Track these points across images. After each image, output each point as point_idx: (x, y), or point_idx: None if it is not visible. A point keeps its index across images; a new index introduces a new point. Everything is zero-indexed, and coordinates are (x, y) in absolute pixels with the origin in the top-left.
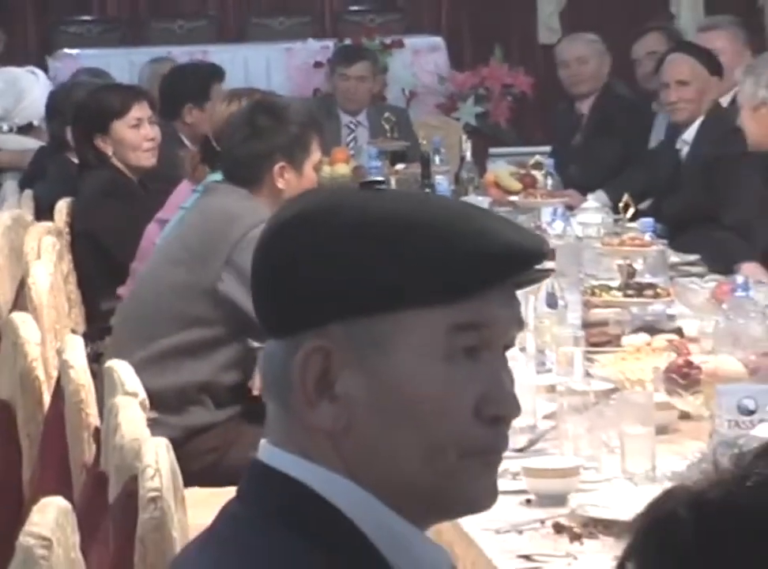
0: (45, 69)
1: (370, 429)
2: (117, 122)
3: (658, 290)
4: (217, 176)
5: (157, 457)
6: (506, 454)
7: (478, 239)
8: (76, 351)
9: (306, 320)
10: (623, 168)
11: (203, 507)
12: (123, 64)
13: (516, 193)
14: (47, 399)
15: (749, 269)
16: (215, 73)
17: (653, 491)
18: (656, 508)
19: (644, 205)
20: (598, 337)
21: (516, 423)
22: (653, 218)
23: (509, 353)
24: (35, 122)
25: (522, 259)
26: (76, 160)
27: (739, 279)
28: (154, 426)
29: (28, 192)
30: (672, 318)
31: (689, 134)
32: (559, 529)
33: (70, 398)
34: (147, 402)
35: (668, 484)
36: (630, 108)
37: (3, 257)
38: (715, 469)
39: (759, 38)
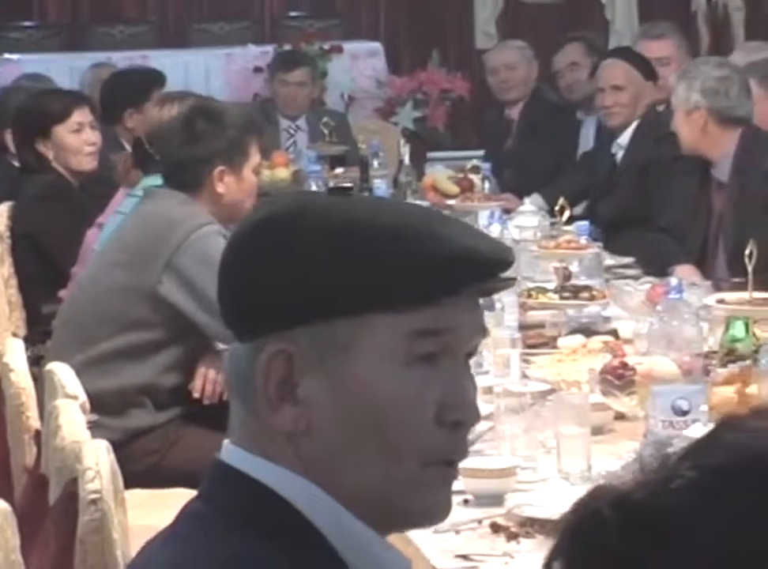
0: None
1: (330, 433)
2: (58, 126)
3: (594, 292)
4: (152, 180)
5: (97, 460)
6: None
7: (437, 246)
8: (16, 354)
9: (269, 323)
10: (555, 172)
11: (144, 509)
12: (64, 69)
13: (453, 196)
14: None
15: (683, 272)
16: (156, 78)
17: None
18: (582, 508)
19: (579, 209)
20: (535, 339)
21: None
22: (589, 221)
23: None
24: None
25: (481, 266)
26: (17, 164)
27: (673, 281)
28: (94, 428)
29: None
30: (607, 319)
31: (624, 138)
32: (496, 528)
33: (11, 401)
34: (87, 405)
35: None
36: (560, 113)
37: None
38: (641, 470)
39: (693, 43)
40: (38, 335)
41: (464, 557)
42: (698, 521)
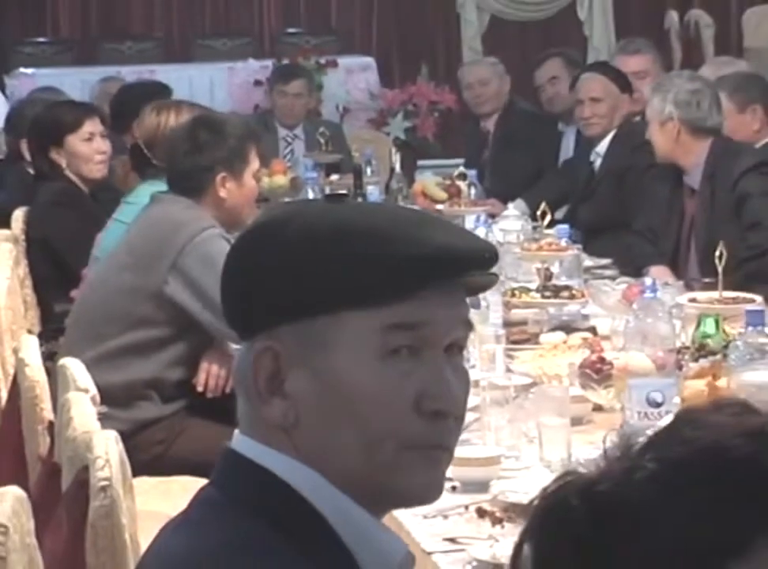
0: (2, 88)
1: (315, 423)
2: (71, 136)
3: (573, 292)
4: (148, 188)
5: (107, 449)
6: None
7: (410, 243)
8: (31, 350)
9: (259, 323)
10: (533, 178)
11: (150, 495)
12: (75, 82)
13: (442, 202)
14: (4, 395)
15: (657, 272)
16: (161, 90)
17: None
18: (551, 495)
19: (560, 213)
20: (518, 336)
21: None
22: (569, 225)
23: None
24: None
25: (458, 262)
26: (31, 171)
27: (648, 281)
28: (104, 420)
29: None
30: (586, 317)
31: (602, 147)
32: (481, 513)
33: (26, 394)
34: (98, 397)
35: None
36: (533, 121)
37: None
38: (605, 458)
39: (667, 57)
40: (51, 332)
41: (452, 540)
42: (659, 513)
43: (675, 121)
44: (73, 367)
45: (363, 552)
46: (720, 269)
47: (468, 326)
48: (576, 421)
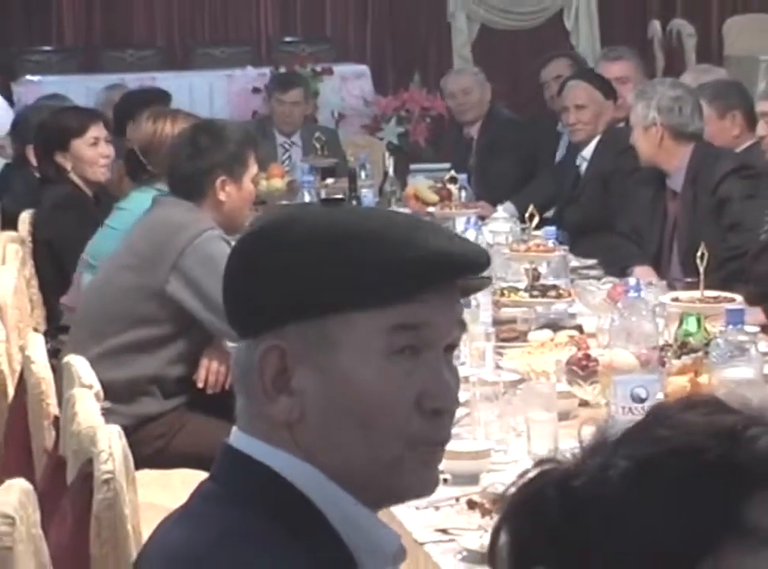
0: (10, 95)
1: (321, 420)
2: (76, 140)
3: (560, 291)
4: (146, 194)
5: (110, 443)
6: None
7: (413, 248)
8: (37, 347)
9: (264, 323)
10: (517, 182)
11: (152, 487)
12: (80, 89)
13: (433, 204)
14: (11, 391)
15: (641, 272)
16: (161, 97)
17: None
18: (527, 485)
19: (548, 215)
20: (507, 333)
21: None
22: (556, 226)
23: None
24: None
25: (455, 266)
26: (38, 175)
27: (632, 281)
28: (108, 415)
29: None
30: (572, 316)
31: (587, 151)
32: (472, 505)
33: (32, 390)
34: (101, 393)
35: None
36: (515, 128)
37: None
38: (581, 449)
39: (650, 65)
40: (56, 330)
41: (444, 531)
42: (631, 510)
43: (659, 126)
44: (78, 364)
45: (359, 544)
46: (701, 269)
47: (463, 327)
48: (563, 416)
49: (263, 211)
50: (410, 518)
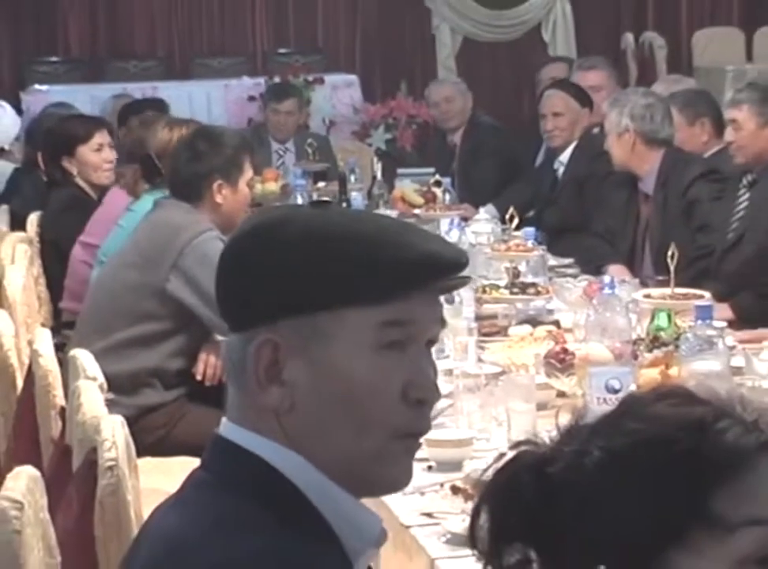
0: (18, 103)
1: (311, 410)
2: (82, 146)
3: (539, 288)
4: (158, 194)
5: (114, 432)
6: None
7: (403, 249)
8: (44, 342)
9: (259, 317)
10: (498, 186)
11: (154, 474)
12: (85, 98)
13: (419, 207)
14: (19, 383)
15: (615, 270)
16: (159, 106)
17: None
18: (505, 468)
19: (527, 216)
20: (489, 328)
21: None
22: (535, 227)
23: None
24: (6, 147)
25: (442, 267)
26: (45, 179)
27: (607, 279)
28: (111, 405)
29: (4, 207)
30: (550, 312)
31: (564, 156)
32: (455, 490)
33: (39, 382)
34: (105, 385)
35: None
36: (496, 134)
37: None
38: (558, 433)
39: (623, 75)
40: (62, 325)
41: (429, 515)
42: (604, 498)
43: (631, 133)
44: (83, 357)
45: (344, 528)
46: (672, 267)
47: (443, 324)
48: (541, 406)
49: (255, 212)
50: (397, 502)
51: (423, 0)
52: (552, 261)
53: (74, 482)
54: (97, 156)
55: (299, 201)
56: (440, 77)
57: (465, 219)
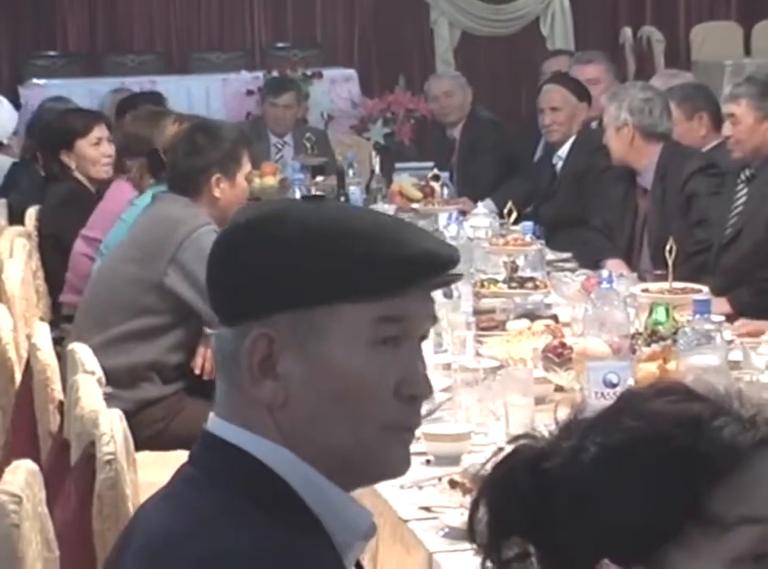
0: (17, 98)
1: (305, 404)
2: (80, 140)
3: (537, 283)
4: (162, 188)
5: (112, 426)
6: None
7: (402, 247)
8: (43, 336)
9: (255, 311)
10: (497, 180)
11: (152, 468)
12: (83, 92)
13: (417, 201)
14: (18, 377)
15: (613, 265)
16: (155, 99)
17: None
18: (504, 462)
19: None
20: (487, 323)
21: None
22: (533, 222)
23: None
24: (5, 141)
25: (438, 264)
26: (43, 173)
27: (605, 273)
28: (109, 399)
29: (3, 201)
30: (548, 306)
31: (563, 151)
32: (453, 484)
33: (38, 376)
34: (103, 379)
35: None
36: (495, 128)
37: None
38: (557, 432)
39: (621, 69)
40: (60, 319)
41: (427, 509)
42: (601, 495)
43: (630, 127)
44: (81, 351)
45: (333, 522)
46: (670, 262)
47: (435, 320)
48: (539, 400)
49: (246, 206)
50: (395, 496)
51: None
52: (550, 255)
53: (73, 476)
54: (96, 150)
55: (297, 195)
56: (438, 71)
57: (464, 213)
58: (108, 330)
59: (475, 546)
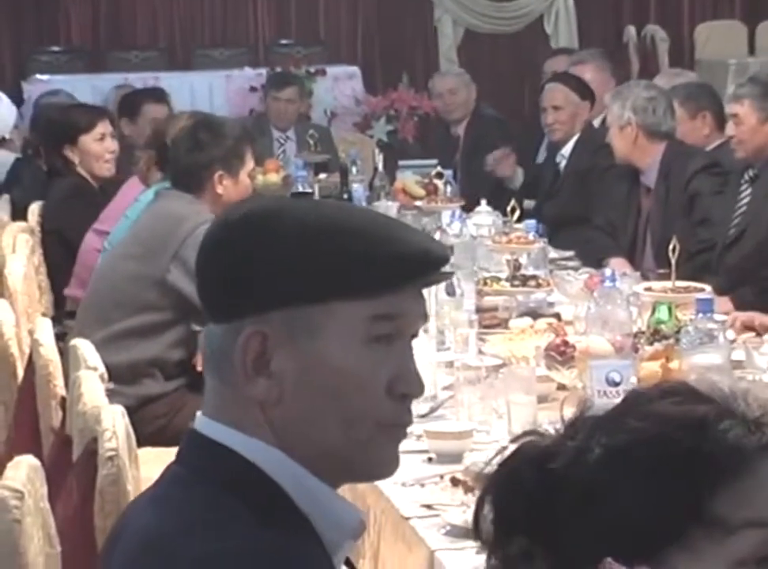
0: (20, 93)
1: (298, 401)
2: (84, 136)
3: (540, 281)
4: (167, 183)
5: (114, 422)
6: None
7: (398, 244)
8: (45, 331)
9: (249, 308)
10: (500, 178)
11: (154, 464)
12: (86, 87)
13: (420, 198)
14: (20, 372)
15: (616, 263)
16: (159, 95)
17: None
18: (509, 461)
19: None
20: (489, 321)
21: None
22: (536, 220)
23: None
24: (7, 136)
25: (433, 262)
26: (45, 168)
27: (608, 271)
28: (112, 395)
29: (6, 196)
30: (551, 304)
31: (566, 150)
32: (455, 482)
33: (40, 372)
34: (105, 375)
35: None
36: (499, 126)
37: None
38: (563, 430)
39: (625, 68)
40: (63, 315)
41: (429, 507)
42: (605, 496)
43: (633, 125)
44: (84, 347)
45: (321, 519)
46: (673, 260)
47: (426, 318)
48: (542, 399)
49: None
50: (397, 494)
51: None
52: (553, 253)
53: (74, 472)
54: (99, 146)
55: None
56: (442, 69)
57: (467, 210)
58: (110, 326)
59: (479, 543)
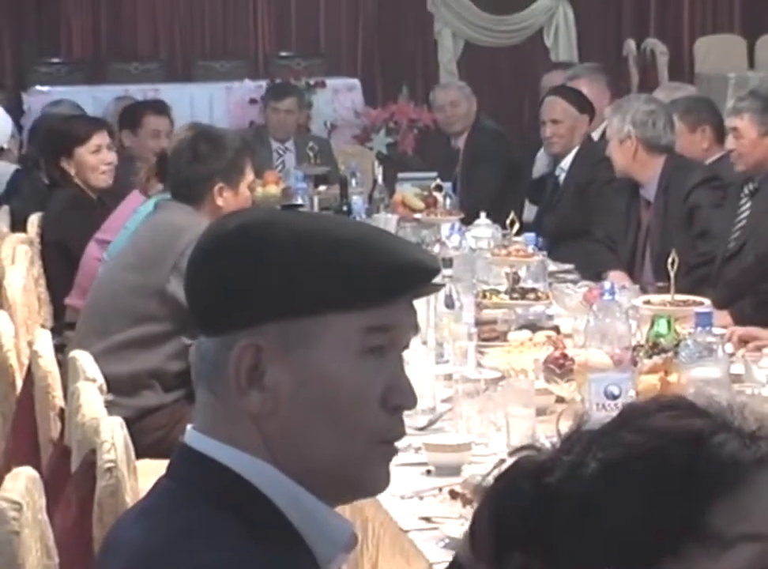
0: (21, 104)
1: (292, 414)
2: (80, 147)
3: (539, 294)
4: (167, 195)
5: (113, 434)
6: (410, 431)
7: (392, 256)
8: (44, 343)
9: (243, 320)
10: (500, 190)
11: (153, 476)
12: (87, 99)
13: (420, 211)
14: (19, 383)
15: (615, 277)
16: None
17: None
18: (505, 475)
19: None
20: (488, 333)
21: (419, 405)
22: (535, 233)
23: (406, 352)
24: (5, 146)
25: (425, 274)
26: (45, 180)
27: (607, 285)
28: (110, 407)
29: (5, 207)
30: (550, 317)
31: (566, 163)
32: (454, 495)
33: (39, 383)
34: (104, 387)
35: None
36: (499, 138)
37: None
38: (559, 445)
39: (625, 81)
40: (62, 326)
41: (427, 519)
42: (600, 509)
43: (633, 139)
44: (83, 358)
45: (313, 535)
46: (672, 274)
47: (418, 330)
48: (540, 412)
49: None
50: (395, 506)
51: (426, 4)
52: (552, 266)
53: (73, 483)
54: (95, 158)
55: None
56: (442, 81)
57: (466, 223)
58: (109, 338)
59: (475, 558)
